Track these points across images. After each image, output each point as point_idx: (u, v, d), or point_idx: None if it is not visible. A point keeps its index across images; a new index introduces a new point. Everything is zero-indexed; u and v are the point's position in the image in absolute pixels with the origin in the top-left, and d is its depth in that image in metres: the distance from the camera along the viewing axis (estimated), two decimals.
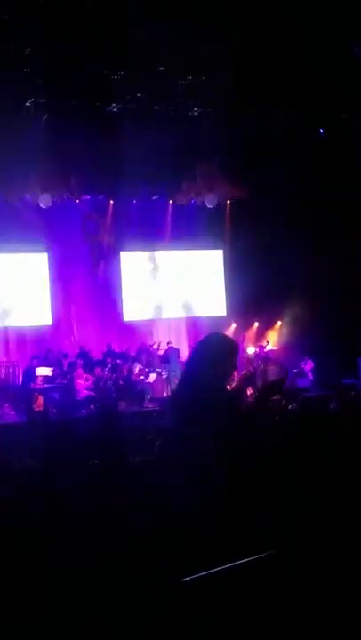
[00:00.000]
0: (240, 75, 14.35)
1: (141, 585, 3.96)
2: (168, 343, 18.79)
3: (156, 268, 20.06)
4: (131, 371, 17.37)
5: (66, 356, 17.86)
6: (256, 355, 18.57)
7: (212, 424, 3.43)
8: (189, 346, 20.17)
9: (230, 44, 13.31)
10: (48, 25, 12.30)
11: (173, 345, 18.82)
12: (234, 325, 19.76)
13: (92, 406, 16.04)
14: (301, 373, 17.15)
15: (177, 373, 17.69)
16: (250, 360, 18.27)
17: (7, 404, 16.58)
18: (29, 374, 16.58)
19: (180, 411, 3.60)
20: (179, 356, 18.42)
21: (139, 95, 15.63)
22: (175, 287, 20.09)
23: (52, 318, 19.02)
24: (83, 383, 16.40)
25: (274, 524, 3.35)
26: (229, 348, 3.82)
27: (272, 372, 17.35)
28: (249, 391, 13.01)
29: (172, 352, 18.22)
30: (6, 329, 18.63)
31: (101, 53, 13.19)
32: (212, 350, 3.73)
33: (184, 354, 19.60)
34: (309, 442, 5.02)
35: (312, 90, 14.99)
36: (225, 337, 4.00)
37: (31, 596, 4.12)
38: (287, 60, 13.82)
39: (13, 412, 16.38)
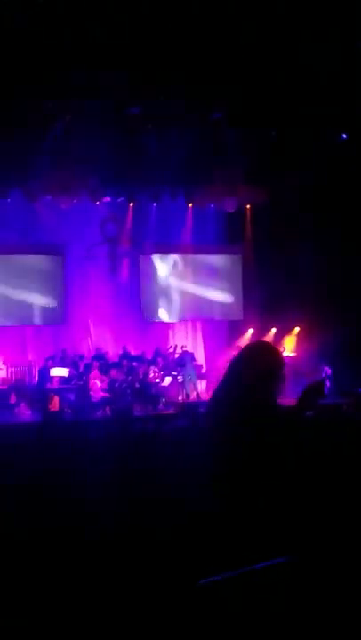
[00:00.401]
0: (258, 80, 14.37)
1: (156, 587, 3.94)
2: (182, 347, 18.78)
3: (173, 272, 20.04)
4: (146, 374, 17.36)
5: (82, 357, 17.91)
6: None
7: (274, 445, 3.36)
8: (205, 350, 20.18)
9: (248, 48, 13.30)
10: (70, 26, 12.35)
11: (188, 349, 18.81)
12: (251, 331, 19.70)
13: (106, 408, 16.06)
14: None
15: (192, 378, 17.69)
16: None
17: (23, 404, 16.66)
18: (44, 374, 16.64)
19: (229, 431, 3.48)
20: (193, 360, 18.40)
21: (160, 98, 15.64)
22: (193, 291, 20.05)
23: (69, 319, 19.11)
24: (98, 385, 16.42)
25: (293, 529, 3.32)
26: (280, 359, 3.65)
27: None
28: None
29: (186, 356, 18.19)
30: (23, 329, 18.71)
31: (122, 55, 13.20)
32: (266, 363, 3.56)
33: (200, 358, 19.59)
34: (327, 449, 4.98)
35: (332, 94, 14.96)
36: (273, 346, 3.81)
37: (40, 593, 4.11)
38: (305, 65, 13.80)
39: (29, 412, 16.45)
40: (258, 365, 3.53)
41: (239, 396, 3.48)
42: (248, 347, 3.77)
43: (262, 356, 3.61)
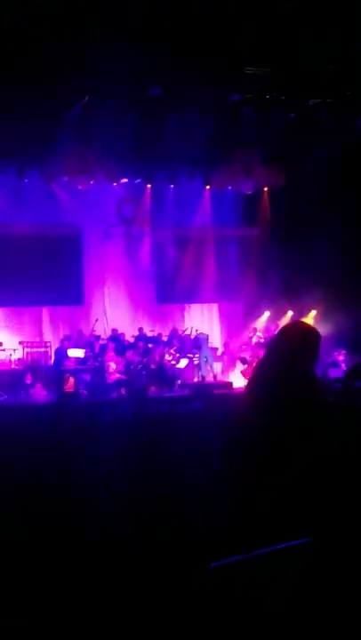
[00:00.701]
0: (278, 63, 14.26)
1: (169, 570, 3.94)
2: (196, 330, 18.73)
3: (190, 253, 19.93)
4: (162, 355, 17.36)
5: (98, 338, 17.91)
6: None
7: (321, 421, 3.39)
8: (221, 332, 20.14)
9: (268, 32, 13.18)
10: (90, 8, 12.28)
11: (204, 331, 18.75)
12: (267, 313, 19.64)
13: (122, 390, 16.09)
14: (335, 364, 16.96)
15: (208, 359, 17.69)
16: None
17: (39, 384, 16.73)
18: (60, 355, 16.67)
19: (275, 410, 3.50)
20: (208, 342, 18.34)
21: (179, 80, 15.54)
22: (209, 273, 19.93)
23: (85, 300, 19.14)
24: (113, 367, 16.44)
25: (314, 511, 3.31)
26: (313, 335, 3.72)
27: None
28: None
29: (201, 338, 18.15)
30: (40, 309, 18.76)
31: (143, 36, 13.11)
32: (310, 342, 3.64)
33: (215, 340, 19.53)
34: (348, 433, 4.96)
35: (349, 78, 14.86)
36: (308, 324, 3.90)
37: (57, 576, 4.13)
38: (323, 48, 13.68)
39: (45, 392, 16.51)
40: (290, 342, 3.58)
41: (276, 372, 3.51)
42: (284, 327, 3.86)
43: (295, 333, 3.66)
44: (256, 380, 3.79)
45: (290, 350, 3.60)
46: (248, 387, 3.88)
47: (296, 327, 3.88)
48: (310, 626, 3.09)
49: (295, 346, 3.62)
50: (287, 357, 3.58)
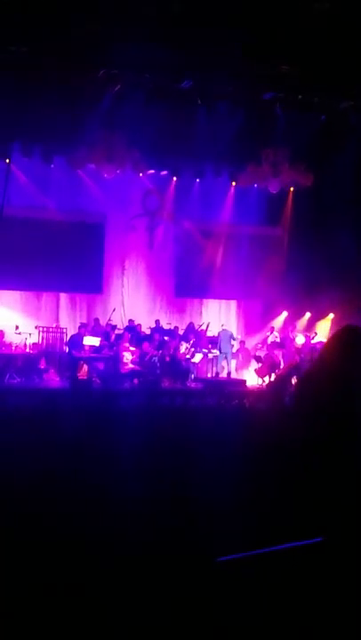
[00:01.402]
0: (312, 63, 14.18)
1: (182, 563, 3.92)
2: (222, 325, 18.67)
3: (211, 249, 19.86)
4: (177, 349, 17.35)
5: (114, 327, 17.91)
6: (304, 345, 18.39)
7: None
8: (238, 329, 20.08)
9: (305, 32, 13.10)
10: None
11: (226, 327, 18.65)
12: (285, 314, 19.57)
13: (135, 380, 16.10)
14: None
15: (227, 356, 17.69)
16: (298, 350, 18.12)
17: (52, 370, 16.76)
18: (76, 342, 16.70)
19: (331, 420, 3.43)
20: (233, 339, 18.25)
21: (211, 74, 15.50)
22: (229, 269, 19.83)
23: (104, 289, 19.15)
24: (128, 357, 16.44)
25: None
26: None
27: None
28: (293, 380, 12.92)
29: (225, 334, 18.08)
30: (57, 295, 18.78)
31: (176, 29, 13.07)
32: (348, 342, 3.54)
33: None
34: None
35: None
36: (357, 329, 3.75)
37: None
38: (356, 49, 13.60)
39: (57, 378, 16.54)
40: (338, 349, 3.51)
41: (325, 383, 3.44)
42: (334, 333, 3.73)
43: (345, 337, 3.58)
44: (304, 389, 3.69)
45: (337, 358, 3.51)
46: (296, 395, 3.77)
47: (344, 333, 3.71)
48: (314, 625, 3.06)
49: (344, 352, 3.53)
50: (336, 366, 3.49)
